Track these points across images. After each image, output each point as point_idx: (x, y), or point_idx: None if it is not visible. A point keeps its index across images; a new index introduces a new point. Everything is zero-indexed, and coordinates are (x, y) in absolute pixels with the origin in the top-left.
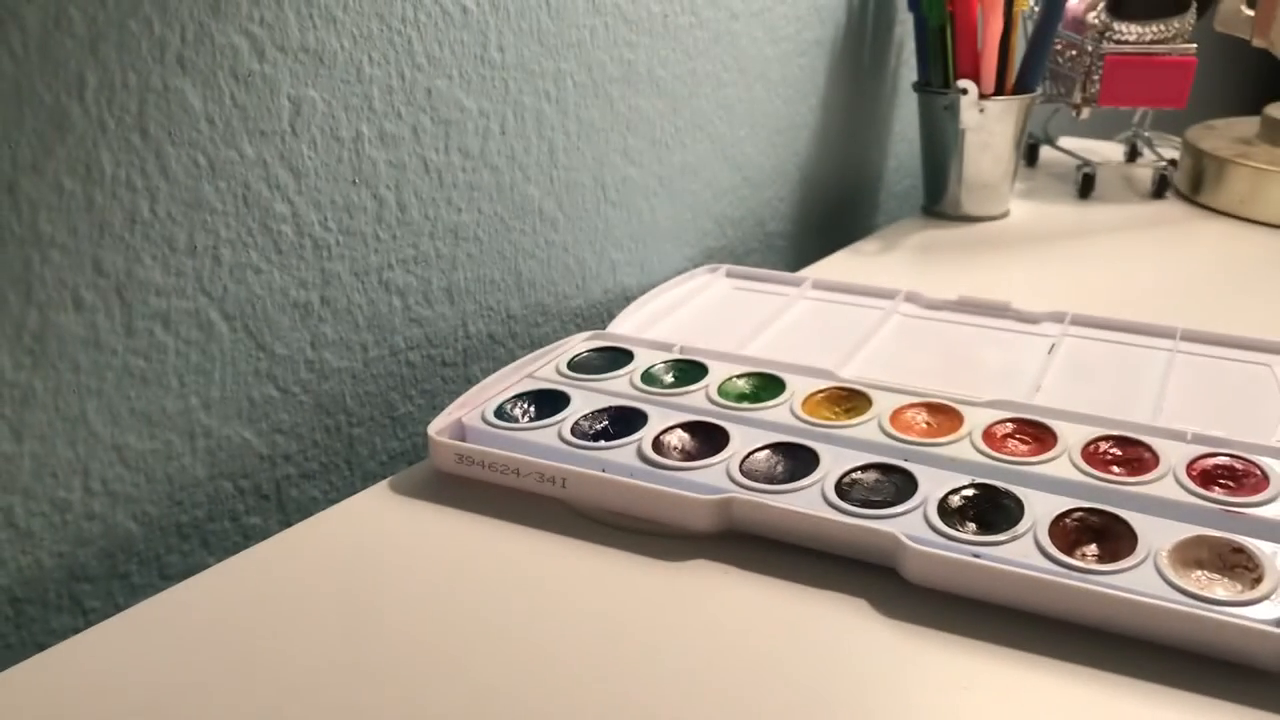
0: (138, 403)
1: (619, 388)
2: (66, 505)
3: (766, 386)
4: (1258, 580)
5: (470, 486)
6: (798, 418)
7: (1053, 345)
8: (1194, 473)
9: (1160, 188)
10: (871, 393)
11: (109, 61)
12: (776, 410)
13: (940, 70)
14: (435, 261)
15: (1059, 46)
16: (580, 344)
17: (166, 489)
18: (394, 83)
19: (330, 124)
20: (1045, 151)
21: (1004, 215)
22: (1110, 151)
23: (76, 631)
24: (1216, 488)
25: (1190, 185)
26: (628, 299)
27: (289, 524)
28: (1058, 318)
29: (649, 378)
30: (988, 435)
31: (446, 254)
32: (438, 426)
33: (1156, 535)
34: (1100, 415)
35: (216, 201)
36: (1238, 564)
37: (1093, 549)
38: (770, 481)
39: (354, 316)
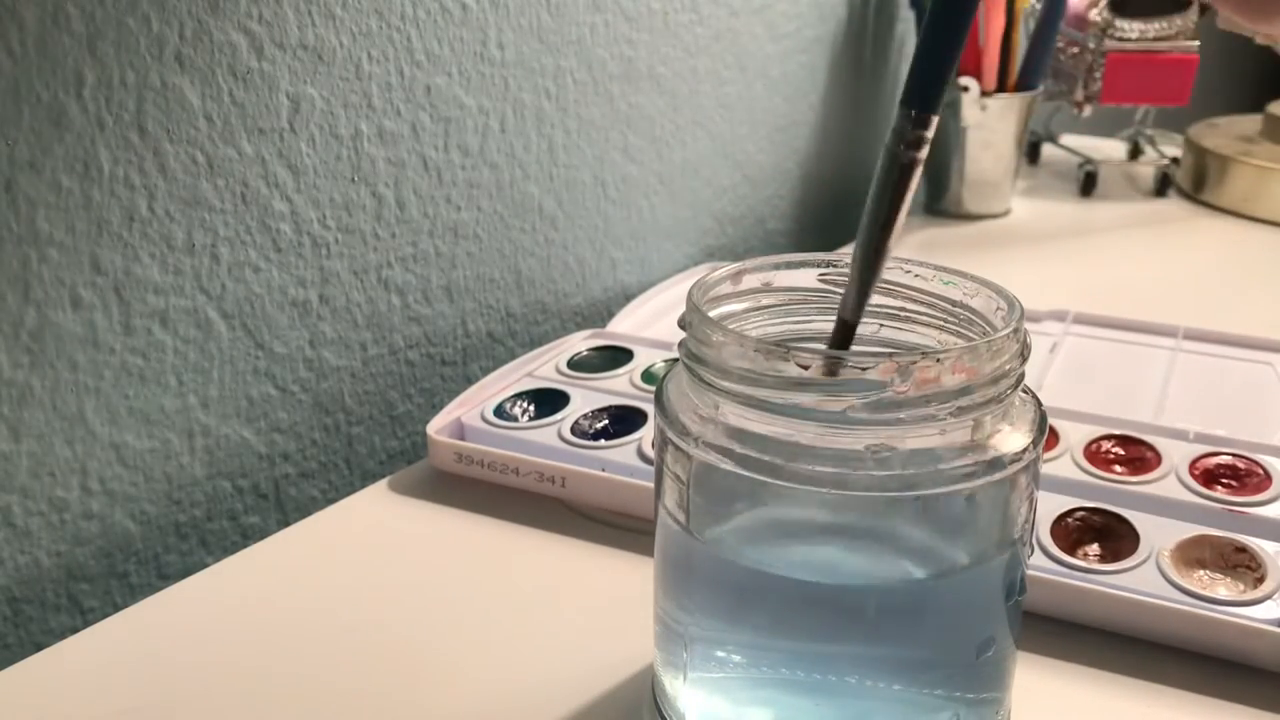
0: (136, 401)
1: (619, 386)
2: (64, 504)
3: None
4: (1260, 580)
5: (469, 486)
6: None
7: (1054, 344)
8: (1196, 472)
9: (1162, 186)
10: None
11: (107, 59)
12: None
13: None
14: (434, 260)
15: (1061, 44)
16: (580, 342)
17: (165, 488)
18: (393, 80)
19: (329, 121)
20: (1047, 149)
21: (1005, 213)
22: (1112, 149)
23: (75, 631)
24: (1219, 487)
25: (1192, 183)
26: (628, 297)
27: (288, 523)
28: (1060, 316)
29: (649, 376)
30: None
31: (446, 252)
32: (437, 425)
33: (1159, 535)
34: (1102, 414)
35: (215, 199)
36: (1240, 563)
37: (1095, 548)
38: None
39: (353, 315)
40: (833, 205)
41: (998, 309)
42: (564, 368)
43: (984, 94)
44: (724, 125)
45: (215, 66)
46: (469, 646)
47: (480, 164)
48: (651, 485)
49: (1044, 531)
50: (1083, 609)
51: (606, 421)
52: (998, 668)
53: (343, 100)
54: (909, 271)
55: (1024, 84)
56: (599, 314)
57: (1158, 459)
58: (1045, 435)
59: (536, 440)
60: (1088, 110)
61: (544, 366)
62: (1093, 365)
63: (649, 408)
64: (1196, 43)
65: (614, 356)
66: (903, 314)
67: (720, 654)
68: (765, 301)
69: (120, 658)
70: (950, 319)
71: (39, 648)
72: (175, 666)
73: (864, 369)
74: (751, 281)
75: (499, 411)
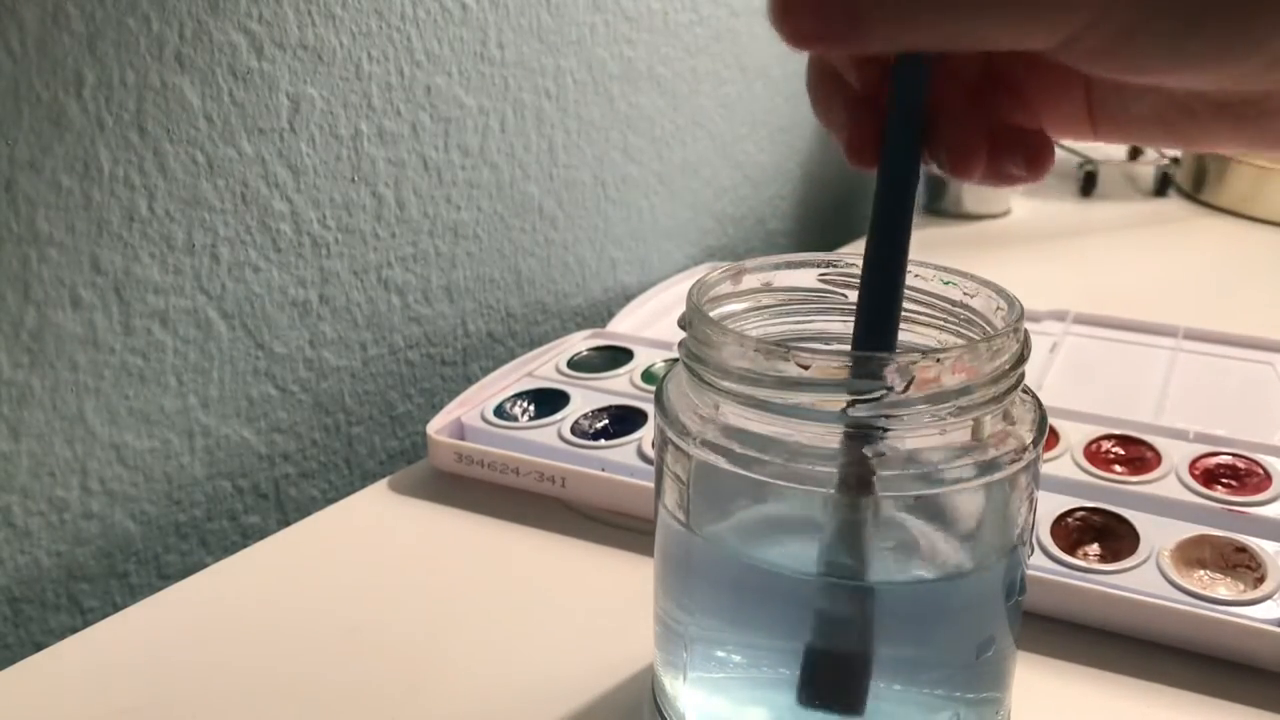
0: (136, 401)
1: (619, 386)
2: (64, 504)
3: None
4: (1260, 580)
5: (469, 485)
6: None
7: (1054, 344)
8: (1196, 472)
9: (1162, 185)
10: None
11: (107, 59)
12: None
13: None
14: (434, 259)
15: None
16: (580, 342)
17: (165, 488)
18: (393, 80)
19: (329, 121)
20: None
21: (1005, 213)
22: (1112, 149)
23: (75, 631)
24: (1219, 487)
25: (1192, 183)
26: (628, 297)
27: (288, 523)
28: (1059, 316)
29: (649, 376)
30: None
31: (446, 252)
32: (437, 425)
33: (1159, 534)
34: (1102, 414)
35: (215, 199)
36: (1240, 563)
37: (1095, 548)
38: None
39: (353, 315)
40: (833, 205)
41: (998, 309)
42: (564, 368)
43: None
44: (724, 125)
45: (215, 66)
46: (469, 646)
47: (480, 164)
48: (651, 485)
49: (1044, 531)
50: (1083, 609)
51: (606, 421)
52: (998, 668)
53: (343, 100)
54: (909, 271)
55: None
56: (599, 314)
57: (1158, 459)
58: (1045, 435)
59: (536, 440)
60: None
61: (544, 366)
62: (1093, 365)
63: (649, 408)
64: None
65: (614, 356)
66: (903, 314)
67: (720, 654)
68: (765, 301)
69: (120, 658)
70: (950, 319)
71: (39, 648)
72: (175, 666)
73: (864, 369)
74: (751, 281)
75: (499, 411)
